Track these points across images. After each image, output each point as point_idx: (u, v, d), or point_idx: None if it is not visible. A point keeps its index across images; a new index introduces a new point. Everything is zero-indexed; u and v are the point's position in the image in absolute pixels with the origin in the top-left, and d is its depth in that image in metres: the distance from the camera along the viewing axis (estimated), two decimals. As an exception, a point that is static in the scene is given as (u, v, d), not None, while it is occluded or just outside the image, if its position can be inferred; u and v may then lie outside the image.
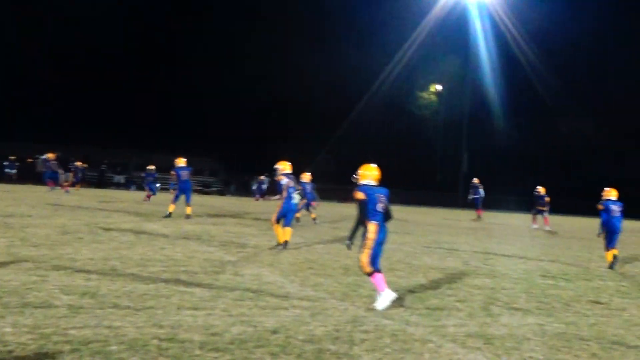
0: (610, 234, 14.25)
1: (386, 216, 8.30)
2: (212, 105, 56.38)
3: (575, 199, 48.18)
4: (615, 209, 14.42)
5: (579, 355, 6.31)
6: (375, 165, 8.55)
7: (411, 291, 9.36)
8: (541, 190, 27.67)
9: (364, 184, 8.31)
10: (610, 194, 14.75)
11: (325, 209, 30.60)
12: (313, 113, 55.73)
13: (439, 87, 63.41)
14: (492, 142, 59.36)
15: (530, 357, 6.14)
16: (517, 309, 8.44)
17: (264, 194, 43.99)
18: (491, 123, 60.65)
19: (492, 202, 47.31)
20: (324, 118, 55.01)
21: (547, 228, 26.70)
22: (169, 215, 19.24)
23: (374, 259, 8.04)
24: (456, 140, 60.40)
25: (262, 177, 44.81)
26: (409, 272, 11.30)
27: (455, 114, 60.61)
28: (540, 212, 27.72)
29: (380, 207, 8.13)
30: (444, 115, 62.90)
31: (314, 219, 22.06)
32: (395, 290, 9.35)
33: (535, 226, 27.29)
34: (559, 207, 35.90)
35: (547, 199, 27.30)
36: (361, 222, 8.14)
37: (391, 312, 7.78)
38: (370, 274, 8.02)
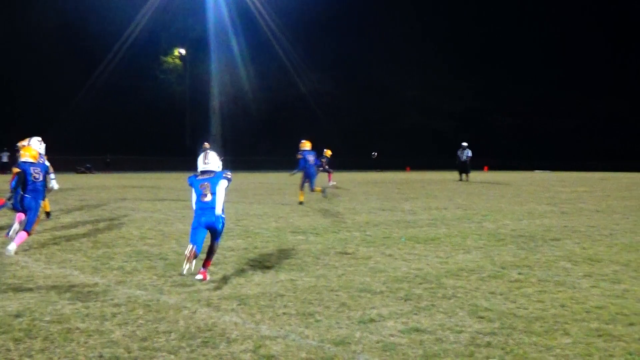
0: (306, 178, 18.59)
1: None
2: None
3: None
4: (310, 158, 18.80)
5: (329, 306, 6.52)
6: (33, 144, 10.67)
7: (164, 259, 9.13)
8: (327, 152, 30.04)
9: (21, 161, 9.83)
10: (305, 145, 19.09)
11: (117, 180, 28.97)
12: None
13: (183, 51, 62.57)
14: (241, 105, 60.35)
15: (284, 313, 6.23)
16: (269, 267, 8.56)
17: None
18: (238, 85, 61.37)
19: (242, 164, 48.18)
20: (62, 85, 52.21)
21: (331, 184, 28.39)
22: None
23: None
24: (204, 104, 60.32)
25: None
26: (161, 240, 11.04)
27: (200, 78, 60.39)
28: (326, 170, 29.58)
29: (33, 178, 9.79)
30: (189, 79, 62.32)
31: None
32: (147, 258, 9.07)
33: (332, 183, 28.89)
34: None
35: (322, 160, 28.76)
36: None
37: (144, 282, 7.52)
38: None
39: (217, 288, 7.26)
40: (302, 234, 11.93)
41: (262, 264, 8.82)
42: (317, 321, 5.96)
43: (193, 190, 7.81)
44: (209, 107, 59.29)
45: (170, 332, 5.57)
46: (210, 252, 7.78)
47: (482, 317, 6.11)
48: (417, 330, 5.68)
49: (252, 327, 5.75)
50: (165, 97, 61.19)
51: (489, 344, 5.32)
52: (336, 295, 6.99)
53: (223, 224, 7.79)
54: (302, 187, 18.84)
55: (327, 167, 29.53)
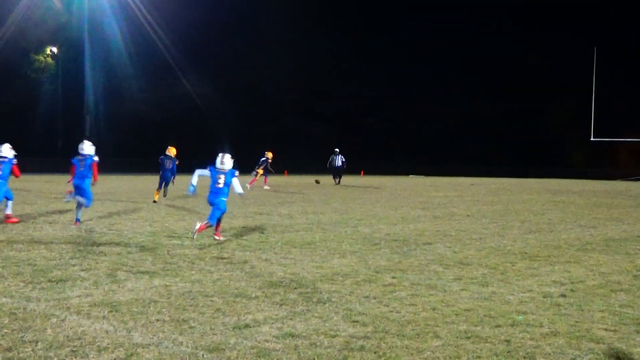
0: (162, 181, 20.20)
1: None
2: None
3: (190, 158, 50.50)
4: (168, 162, 20.15)
5: (204, 312, 6.46)
6: None
7: (31, 264, 8.74)
8: (268, 154, 29.75)
9: None
10: (170, 151, 20.62)
11: None
12: None
13: (54, 49, 60.08)
14: (121, 106, 58.90)
15: (157, 320, 6.12)
16: (143, 272, 8.38)
17: None
18: (115, 86, 59.72)
19: (117, 165, 46.87)
20: None
21: (266, 187, 29.23)
22: None
23: None
24: (78, 105, 58.19)
25: None
26: (29, 245, 10.57)
27: (74, 77, 58.25)
28: (267, 172, 29.91)
29: None
30: (62, 78, 59.92)
31: None
32: (14, 264, 8.68)
33: (266, 187, 29.40)
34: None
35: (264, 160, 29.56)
36: None
37: (10, 290, 7.18)
38: None
39: (88, 295, 7.03)
40: (178, 239, 11.76)
41: (136, 269, 8.62)
42: (191, 327, 5.89)
43: (207, 175, 11.77)
44: (82, 107, 57.24)
45: (37, 342, 5.35)
46: (219, 221, 11.82)
47: (356, 321, 6.23)
48: (291, 335, 5.73)
49: (124, 335, 5.61)
50: (36, 97, 58.55)
51: (362, 348, 5.43)
52: (211, 300, 6.94)
53: (225, 203, 11.81)
54: (159, 187, 20.46)
55: (270, 169, 29.58)
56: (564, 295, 7.59)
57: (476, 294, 7.60)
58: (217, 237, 11.63)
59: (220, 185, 11.63)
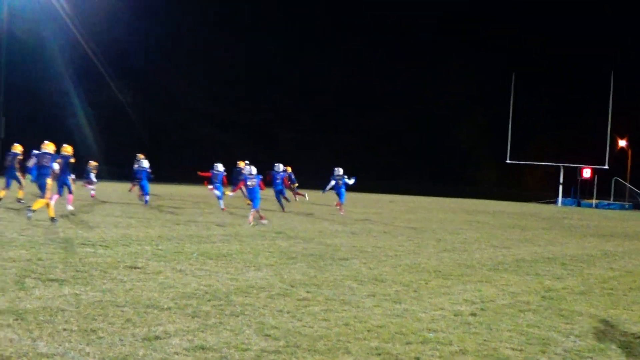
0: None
1: None
2: None
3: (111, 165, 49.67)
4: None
5: (114, 322, 6.35)
6: None
7: None
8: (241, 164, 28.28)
9: None
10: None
11: None
12: None
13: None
14: (37, 106, 57.34)
15: (64, 329, 5.98)
16: (53, 280, 8.17)
17: None
18: (27, 85, 58.07)
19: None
20: None
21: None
22: None
23: None
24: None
25: None
26: None
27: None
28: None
29: None
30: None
31: None
32: None
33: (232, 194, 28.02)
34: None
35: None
36: None
37: None
38: None
39: (-7, 302, 6.81)
40: (91, 246, 11.51)
41: (45, 276, 8.39)
42: (99, 338, 5.79)
43: (242, 180, 19.86)
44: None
45: None
46: (257, 211, 18.48)
47: (268, 335, 6.25)
48: (202, 348, 5.70)
49: (29, 344, 5.47)
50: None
51: (272, 362, 5.46)
52: (122, 311, 6.83)
53: (259, 199, 18.81)
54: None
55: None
56: (474, 314, 7.80)
57: (389, 310, 7.73)
58: (264, 222, 18.16)
59: (251, 186, 18.81)
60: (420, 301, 8.44)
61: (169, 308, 7.10)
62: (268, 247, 13.01)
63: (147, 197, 23.29)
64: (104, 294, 7.59)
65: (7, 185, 20.89)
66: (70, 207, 18.94)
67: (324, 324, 6.87)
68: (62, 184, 18.17)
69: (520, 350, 6.36)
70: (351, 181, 24.59)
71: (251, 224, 17.52)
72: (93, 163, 27.37)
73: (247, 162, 24.86)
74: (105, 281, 8.38)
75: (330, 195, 27.47)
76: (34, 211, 15.51)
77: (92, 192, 25.82)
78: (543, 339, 6.81)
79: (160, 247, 12.00)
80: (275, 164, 25.23)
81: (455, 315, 7.72)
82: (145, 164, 23.69)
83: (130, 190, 29.71)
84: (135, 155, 26.27)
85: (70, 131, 52.53)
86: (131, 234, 13.93)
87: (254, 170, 19.29)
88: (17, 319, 6.21)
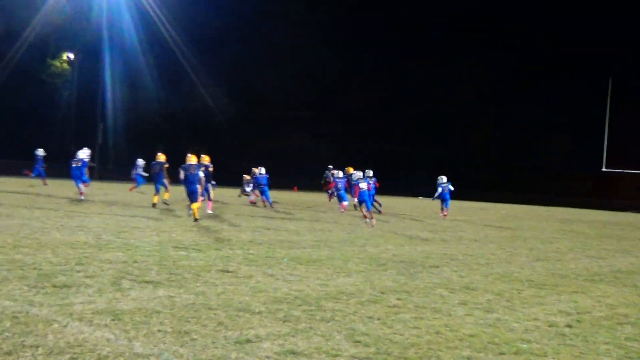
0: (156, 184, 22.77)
1: None
2: None
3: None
4: (156, 167, 22.66)
5: (207, 324, 6.43)
6: None
7: (37, 269, 8.74)
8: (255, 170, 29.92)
9: None
10: (160, 157, 22.92)
11: None
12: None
13: (71, 56, 60.46)
14: (134, 113, 59.31)
15: (159, 330, 6.09)
16: (148, 282, 8.36)
17: None
18: (131, 94, 60.15)
19: (126, 174, 47.00)
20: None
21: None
22: None
23: None
24: (91, 111, 58.63)
25: None
26: (36, 249, 10.58)
27: (90, 84, 58.68)
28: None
29: None
30: (78, 85, 60.34)
31: None
32: (19, 268, 8.68)
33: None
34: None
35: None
36: None
37: (14, 293, 7.17)
38: None
39: (91, 302, 7.02)
40: (184, 250, 11.75)
41: (141, 278, 8.60)
42: (192, 340, 5.86)
43: (355, 184, 21.17)
44: (96, 114, 57.62)
45: (38, 347, 5.33)
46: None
47: (358, 342, 6.18)
48: (293, 352, 5.69)
49: (125, 344, 5.59)
50: (50, 102, 58.97)
51: (363, 369, 5.39)
52: (214, 313, 6.90)
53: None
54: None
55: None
56: (569, 326, 7.51)
57: (481, 319, 7.54)
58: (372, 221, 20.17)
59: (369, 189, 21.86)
60: (513, 311, 8.19)
61: (260, 312, 7.13)
62: (358, 254, 12.95)
63: (270, 201, 26.54)
64: (196, 296, 7.71)
65: (157, 191, 22.98)
66: (209, 212, 20.76)
67: (415, 331, 6.75)
68: (204, 190, 19.83)
69: (620, 364, 6.08)
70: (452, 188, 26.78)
71: (374, 226, 19.37)
72: (247, 177, 30.14)
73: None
74: (198, 284, 8.51)
75: (411, 202, 27.18)
76: (197, 219, 17.61)
77: (251, 198, 29.17)
78: (645, 354, 6.49)
79: (251, 252, 12.13)
80: (334, 170, 28.46)
81: (549, 326, 7.45)
82: (263, 171, 26.89)
83: (240, 196, 31.92)
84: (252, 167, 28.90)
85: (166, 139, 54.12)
86: (223, 238, 14.15)
87: (369, 172, 23.94)
88: (113, 319, 6.37)
